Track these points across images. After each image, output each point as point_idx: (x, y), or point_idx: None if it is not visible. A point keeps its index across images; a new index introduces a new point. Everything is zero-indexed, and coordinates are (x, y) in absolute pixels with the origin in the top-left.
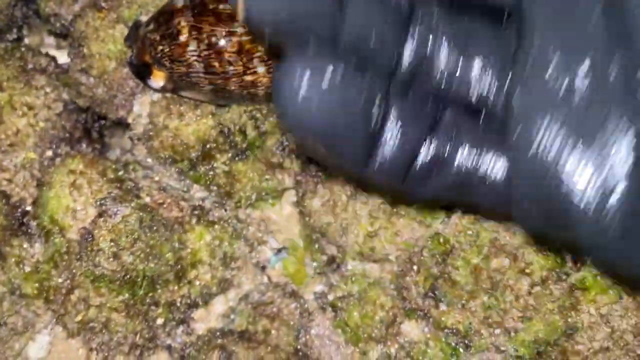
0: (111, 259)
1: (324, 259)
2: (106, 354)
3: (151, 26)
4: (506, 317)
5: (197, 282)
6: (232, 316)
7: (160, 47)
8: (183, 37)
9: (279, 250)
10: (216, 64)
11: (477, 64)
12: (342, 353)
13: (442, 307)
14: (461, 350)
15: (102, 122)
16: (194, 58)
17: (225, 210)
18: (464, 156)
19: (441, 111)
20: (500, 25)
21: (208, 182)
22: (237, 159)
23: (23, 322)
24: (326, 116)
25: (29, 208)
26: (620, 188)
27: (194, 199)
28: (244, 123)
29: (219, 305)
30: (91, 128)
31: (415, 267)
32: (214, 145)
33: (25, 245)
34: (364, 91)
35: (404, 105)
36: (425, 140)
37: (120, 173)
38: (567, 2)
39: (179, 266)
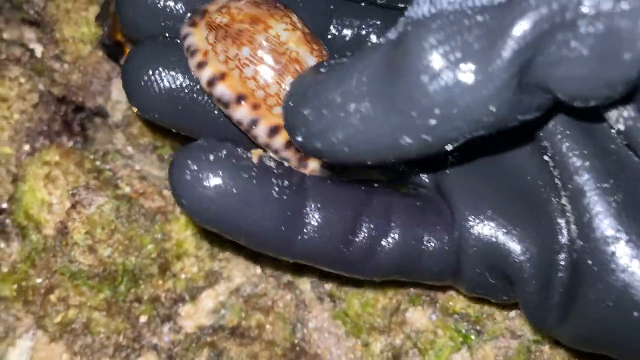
0: (87, 253)
1: None
2: (90, 357)
3: None
4: None
5: (183, 276)
6: (222, 311)
7: None
8: None
9: None
10: None
11: None
12: (342, 346)
13: (450, 291)
14: (472, 337)
15: (83, 114)
16: None
17: None
18: (399, 236)
19: (368, 192)
20: None
21: None
22: None
23: (3, 327)
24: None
25: (4, 205)
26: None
27: None
28: None
29: (208, 300)
30: (72, 121)
31: None
32: None
33: (2, 245)
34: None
35: (325, 190)
36: (355, 222)
37: (98, 163)
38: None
39: (163, 259)
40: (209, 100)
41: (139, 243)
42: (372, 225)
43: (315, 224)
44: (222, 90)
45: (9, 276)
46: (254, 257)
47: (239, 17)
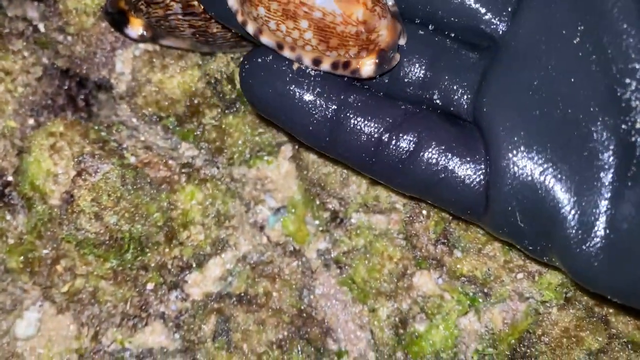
0: (93, 220)
1: (326, 216)
2: (97, 328)
3: None
4: (529, 260)
5: (190, 243)
6: (229, 279)
7: None
8: None
9: (278, 210)
10: (195, 3)
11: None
12: (349, 312)
13: (457, 253)
14: (480, 300)
15: (87, 90)
16: None
17: (218, 167)
18: (431, 153)
19: (409, 109)
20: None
21: (197, 139)
22: (227, 112)
23: (11, 300)
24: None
25: (10, 178)
26: (605, 214)
27: (183, 157)
28: (232, 71)
29: (215, 267)
30: (76, 95)
31: (424, 212)
32: (201, 98)
33: (8, 217)
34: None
35: (365, 98)
36: (390, 131)
37: (103, 134)
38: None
39: (169, 227)
40: None
41: (145, 211)
42: (402, 141)
43: (349, 128)
44: (265, 41)
45: (16, 248)
46: (260, 226)
47: None
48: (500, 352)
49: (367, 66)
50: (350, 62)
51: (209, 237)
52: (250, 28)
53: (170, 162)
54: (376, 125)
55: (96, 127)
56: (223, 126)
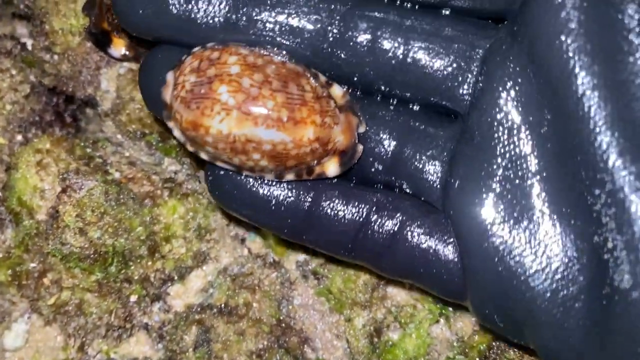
0: (78, 235)
1: None
2: (83, 339)
3: None
4: None
5: (172, 256)
6: (210, 290)
7: None
8: None
9: None
10: None
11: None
12: (326, 322)
13: None
14: (450, 309)
15: (74, 106)
16: None
17: (199, 182)
18: (409, 240)
19: (380, 200)
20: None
21: (179, 154)
22: None
23: None
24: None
25: None
26: (580, 288)
27: (166, 172)
28: None
29: (196, 279)
30: (64, 111)
31: None
32: None
33: None
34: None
35: (337, 193)
36: (366, 223)
37: (89, 150)
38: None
39: (152, 241)
40: None
41: (128, 225)
42: (378, 233)
43: (324, 225)
44: (222, 166)
45: (4, 261)
46: (240, 239)
47: (184, 124)
48: (470, 358)
49: (331, 168)
50: (313, 168)
51: (190, 251)
52: (204, 156)
53: (153, 177)
54: (351, 219)
55: (82, 144)
56: None
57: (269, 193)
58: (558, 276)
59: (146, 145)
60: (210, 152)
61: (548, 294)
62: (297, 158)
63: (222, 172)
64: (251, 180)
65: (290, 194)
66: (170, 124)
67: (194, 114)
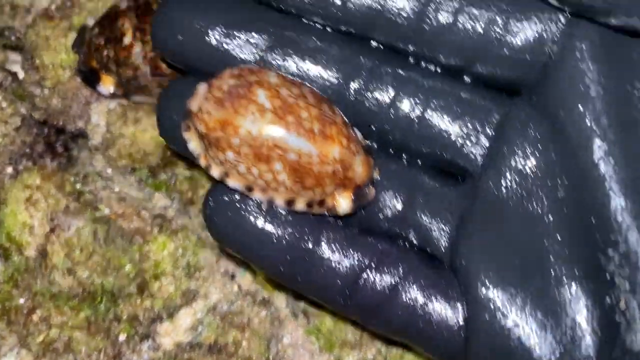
0: (66, 275)
1: None
2: None
3: (96, 30)
4: None
5: (160, 295)
6: (199, 328)
7: (105, 51)
8: (127, 40)
9: None
10: (163, 65)
11: (422, 207)
12: None
13: None
14: None
15: (65, 136)
16: (140, 60)
17: (190, 217)
18: (410, 294)
19: (385, 250)
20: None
21: (169, 190)
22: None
23: None
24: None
25: None
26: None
27: (156, 207)
28: None
29: (186, 317)
30: (54, 142)
31: None
32: (173, 151)
33: None
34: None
35: (340, 237)
36: (366, 273)
37: (79, 186)
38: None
39: (141, 279)
40: None
41: (117, 264)
42: (378, 285)
43: (323, 269)
44: (233, 184)
45: None
46: (231, 275)
47: (211, 124)
48: None
49: (343, 203)
50: (325, 200)
51: (179, 289)
52: (215, 172)
53: (143, 212)
54: (351, 266)
55: (72, 179)
56: (194, 177)
57: (271, 229)
58: (567, 343)
59: (136, 181)
60: (229, 160)
61: None
62: (317, 178)
63: (225, 198)
64: (256, 210)
65: (292, 231)
66: (187, 135)
67: (226, 112)
